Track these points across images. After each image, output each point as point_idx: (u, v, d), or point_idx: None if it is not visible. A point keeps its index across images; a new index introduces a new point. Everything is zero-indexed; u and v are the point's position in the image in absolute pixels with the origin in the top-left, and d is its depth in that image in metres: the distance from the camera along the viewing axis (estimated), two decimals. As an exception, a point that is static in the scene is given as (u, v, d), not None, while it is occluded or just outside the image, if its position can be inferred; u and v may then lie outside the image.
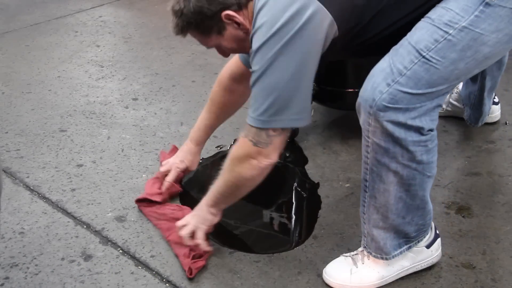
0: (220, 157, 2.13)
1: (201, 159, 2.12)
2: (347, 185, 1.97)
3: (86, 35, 3.34)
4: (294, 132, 2.21)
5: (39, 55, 3.09)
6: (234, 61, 1.85)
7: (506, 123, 2.28)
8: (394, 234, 1.49)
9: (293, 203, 1.89)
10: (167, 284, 1.59)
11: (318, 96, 2.21)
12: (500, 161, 2.07)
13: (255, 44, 1.38)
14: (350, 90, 2.12)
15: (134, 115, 2.47)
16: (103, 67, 2.94)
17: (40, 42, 3.26)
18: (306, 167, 2.08)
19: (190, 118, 2.42)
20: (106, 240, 1.76)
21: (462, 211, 1.82)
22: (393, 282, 1.56)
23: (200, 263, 1.62)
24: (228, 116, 1.98)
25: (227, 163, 1.53)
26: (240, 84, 1.83)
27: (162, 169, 1.96)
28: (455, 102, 2.27)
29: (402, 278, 1.56)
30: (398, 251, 1.51)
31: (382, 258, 1.52)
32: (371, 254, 1.53)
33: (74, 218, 1.86)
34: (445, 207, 1.85)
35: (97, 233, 1.79)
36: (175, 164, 1.94)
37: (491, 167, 2.04)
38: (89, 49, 3.16)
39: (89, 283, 1.60)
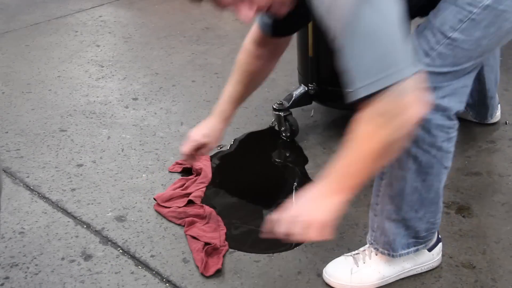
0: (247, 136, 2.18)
1: (220, 146, 2.17)
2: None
3: (86, 35, 3.34)
4: (294, 132, 2.21)
5: (39, 55, 3.09)
6: (254, 27, 1.70)
7: (506, 123, 2.28)
8: (405, 231, 1.48)
9: (293, 203, 1.89)
10: (167, 284, 1.59)
11: (318, 96, 2.22)
12: (500, 161, 2.07)
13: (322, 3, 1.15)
14: (350, 90, 2.12)
15: (134, 115, 2.47)
16: (103, 67, 2.94)
17: (40, 42, 3.26)
18: (306, 167, 2.08)
19: (190, 118, 2.42)
20: (106, 240, 1.76)
21: (462, 211, 1.82)
22: (393, 282, 1.56)
23: (216, 261, 1.63)
24: (257, 86, 1.76)
25: (366, 128, 1.17)
26: (265, 48, 1.68)
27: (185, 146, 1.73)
28: None
29: (402, 278, 1.56)
30: (405, 251, 1.51)
31: (388, 255, 1.51)
32: (378, 249, 1.52)
33: (74, 218, 1.86)
34: (445, 207, 1.85)
35: (97, 233, 1.79)
36: (195, 137, 1.72)
37: (491, 167, 2.04)
38: (89, 49, 3.16)
39: (89, 283, 1.60)
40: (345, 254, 1.59)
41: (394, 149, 1.18)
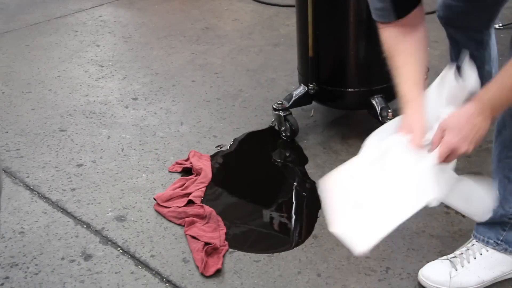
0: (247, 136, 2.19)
1: (220, 146, 2.17)
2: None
3: (86, 35, 3.34)
4: (294, 132, 2.21)
5: (39, 55, 3.09)
6: (381, 30, 1.47)
7: (506, 123, 2.28)
8: None
9: (293, 203, 1.89)
10: (167, 284, 1.59)
11: (318, 96, 2.21)
12: (500, 161, 2.07)
13: None
14: (350, 90, 2.12)
15: (134, 114, 2.47)
16: (103, 66, 2.94)
17: (40, 41, 3.26)
18: (306, 167, 2.08)
19: (190, 118, 2.42)
20: (106, 240, 1.76)
21: (462, 211, 1.82)
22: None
23: (216, 261, 1.63)
24: (424, 59, 1.45)
25: None
26: (399, 28, 1.43)
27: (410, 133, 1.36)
28: None
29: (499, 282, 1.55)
30: None
31: None
32: (506, 250, 1.50)
33: (74, 217, 1.86)
34: (445, 207, 1.84)
35: (97, 232, 1.79)
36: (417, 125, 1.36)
37: (491, 167, 2.03)
38: (89, 48, 3.16)
39: (89, 282, 1.60)
40: (441, 258, 1.56)
41: None
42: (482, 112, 1.21)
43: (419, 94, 1.42)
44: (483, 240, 1.53)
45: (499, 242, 1.50)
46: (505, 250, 1.50)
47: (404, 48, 1.44)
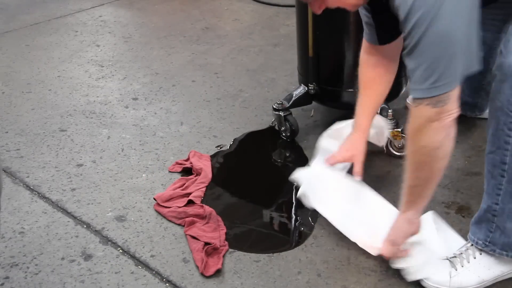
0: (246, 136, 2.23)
1: (220, 146, 2.17)
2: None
3: (86, 35, 3.34)
4: (294, 132, 2.21)
5: (39, 55, 3.09)
6: (364, 40, 1.75)
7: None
8: None
9: (293, 203, 1.89)
10: (167, 284, 1.59)
11: (318, 96, 2.21)
12: (500, 161, 2.07)
13: (403, 10, 1.26)
14: (350, 90, 2.12)
15: (134, 114, 2.47)
16: (103, 66, 2.94)
17: (40, 41, 3.26)
18: (306, 167, 2.08)
19: (190, 118, 2.42)
20: (106, 240, 1.76)
21: (462, 211, 1.82)
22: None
23: (216, 261, 1.63)
24: (383, 93, 1.78)
25: (407, 147, 1.41)
26: (377, 56, 1.71)
27: (328, 162, 1.79)
28: None
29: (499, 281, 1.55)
30: None
31: (507, 256, 1.48)
32: (494, 251, 1.49)
33: (74, 217, 1.86)
34: (445, 207, 1.85)
35: (97, 232, 1.79)
36: (340, 154, 1.79)
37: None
38: (89, 48, 3.16)
39: (89, 282, 1.60)
40: (440, 258, 1.56)
41: (442, 154, 1.39)
42: (402, 218, 1.52)
43: (367, 126, 1.79)
44: (473, 240, 1.54)
45: (487, 243, 1.50)
46: (493, 251, 1.50)
47: (371, 77, 1.75)
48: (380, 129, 1.92)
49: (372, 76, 1.75)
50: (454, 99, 1.31)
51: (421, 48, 1.27)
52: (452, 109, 1.32)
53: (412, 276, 1.53)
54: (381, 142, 1.97)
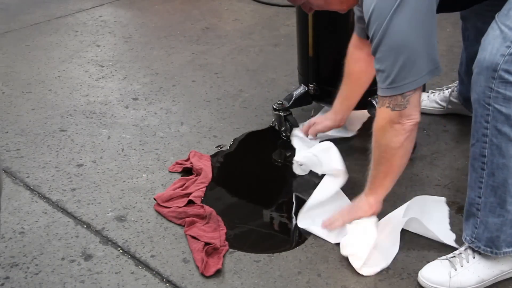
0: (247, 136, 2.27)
1: (220, 146, 2.18)
2: (347, 185, 1.96)
3: (86, 35, 3.34)
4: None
5: (39, 55, 3.09)
6: (354, 33, 1.91)
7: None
8: (510, 229, 1.46)
9: (293, 203, 1.89)
10: (167, 284, 1.59)
11: (318, 96, 2.21)
12: (500, 161, 2.07)
13: (367, 9, 1.41)
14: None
15: (134, 115, 2.47)
16: (103, 67, 2.94)
17: (40, 42, 3.26)
18: (306, 167, 2.08)
19: (190, 118, 2.42)
20: (106, 240, 1.76)
21: (462, 210, 1.82)
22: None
23: (216, 261, 1.63)
24: (362, 87, 1.97)
25: (372, 142, 1.55)
26: (362, 50, 1.86)
27: (304, 127, 2.09)
28: (455, 100, 2.27)
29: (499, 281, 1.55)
30: (509, 249, 1.48)
31: (491, 253, 1.49)
32: (480, 248, 1.50)
33: (74, 218, 1.86)
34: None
35: (97, 233, 1.79)
36: (314, 121, 2.07)
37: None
38: (89, 49, 3.16)
39: (89, 283, 1.60)
40: (440, 258, 1.57)
41: (402, 153, 1.53)
42: (365, 199, 1.65)
43: (342, 111, 2.03)
44: (464, 237, 1.55)
45: (473, 239, 1.51)
46: (478, 248, 1.51)
47: (355, 70, 1.91)
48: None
49: (355, 69, 1.91)
50: (414, 104, 1.46)
51: (379, 54, 1.43)
52: (412, 114, 1.47)
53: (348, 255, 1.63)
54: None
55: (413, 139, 1.53)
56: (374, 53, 1.44)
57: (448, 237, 1.68)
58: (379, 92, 1.48)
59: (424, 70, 1.44)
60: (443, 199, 1.82)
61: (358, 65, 1.90)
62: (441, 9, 1.47)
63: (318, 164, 1.90)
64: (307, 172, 2.01)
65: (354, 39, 1.89)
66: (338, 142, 2.24)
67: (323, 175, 1.88)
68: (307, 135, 2.10)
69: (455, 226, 1.76)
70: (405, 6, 1.37)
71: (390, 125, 1.49)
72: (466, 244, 1.55)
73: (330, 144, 1.90)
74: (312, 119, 2.12)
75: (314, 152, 1.93)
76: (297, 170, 2.03)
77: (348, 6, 1.58)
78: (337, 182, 1.80)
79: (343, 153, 2.11)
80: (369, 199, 1.64)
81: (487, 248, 1.49)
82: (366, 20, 1.43)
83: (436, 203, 1.82)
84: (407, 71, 1.41)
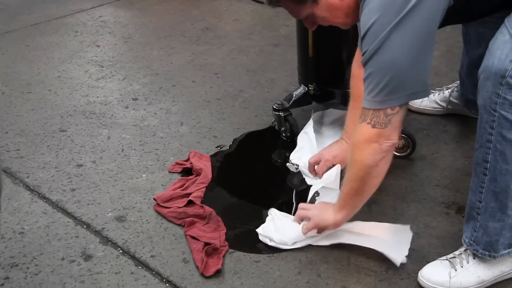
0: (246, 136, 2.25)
1: (220, 147, 2.18)
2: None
3: (86, 35, 3.34)
4: (294, 132, 2.21)
5: (39, 55, 3.09)
6: (358, 50, 1.83)
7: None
8: (509, 232, 1.46)
9: (293, 203, 1.89)
10: (167, 284, 1.59)
11: (318, 96, 2.21)
12: (500, 161, 2.07)
13: (365, 22, 1.38)
14: (350, 90, 2.12)
15: (134, 115, 2.47)
16: (103, 67, 2.94)
17: (40, 42, 3.26)
18: (306, 167, 2.08)
19: (190, 118, 2.42)
20: (106, 240, 1.76)
21: (462, 211, 1.82)
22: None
23: (216, 261, 1.63)
24: None
25: (349, 156, 1.55)
26: None
27: (311, 160, 1.94)
28: (455, 100, 2.27)
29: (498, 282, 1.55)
30: (507, 251, 1.49)
31: (489, 256, 1.49)
32: (478, 251, 1.50)
33: (74, 218, 1.86)
34: (445, 207, 1.85)
35: (97, 233, 1.79)
36: (327, 158, 1.91)
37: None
38: (89, 49, 3.16)
39: (89, 283, 1.60)
40: (440, 258, 1.57)
41: (377, 172, 1.50)
42: (335, 209, 1.63)
43: (351, 133, 1.80)
44: (463, 240, 1.55)
45: (471, 242, 1.51)
46: (476, 251, 1.51)
47: (359, 93, 1.69)
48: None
49: (362, 89, 1.79)
50: (395, 126, 1.44)
51: (368, 67, 1.41)
52: (391, 135, 1.45)
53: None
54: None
55: (388, 161, 1.50)
56: (364, 65, 1.42)
57: (397, 254, 1.62)
58: (364, 104, 1.45)
59: (410, 90, 1.41)
60: (408, 227, 1.72)
61: None
62: (443, 24, 1.44)
63: (316, 184, 1.89)
64: (297, 170, 2.02)
65: (358, 56, 1.83)
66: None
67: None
68: (313, 172, 1.97)
69: (454, 226, 1.76)
70: (405, 25, 1.34)
71: (368, 143, 1.46)
72: (465, 246, 1.55)
73: (334, 171, 1.89)
74: (320, 154, 1.95)
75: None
76: (291, 167, 2.03)
77: (353, 20, 1.53)
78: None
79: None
80: (337, 217, 1.62)
81: (485, 251, 1.50)
82: (362, 33, 1.40)
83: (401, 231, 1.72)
84: (392, 88, 1.39)
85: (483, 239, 1.49)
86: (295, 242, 1.69)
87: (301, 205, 1.74)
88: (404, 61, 1.37)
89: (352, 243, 1.66)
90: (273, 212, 1.81)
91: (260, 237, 1.74)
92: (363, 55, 1.41)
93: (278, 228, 1.73)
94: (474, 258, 1.53)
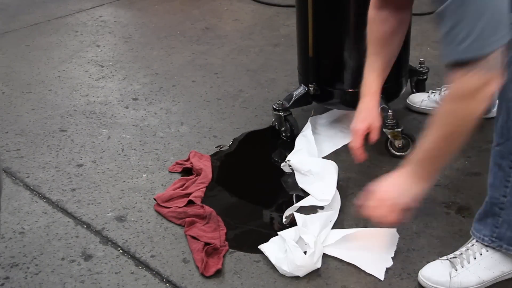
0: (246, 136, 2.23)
1: (220, 147, 2.18)
2: (347, 184, 1.96)
3: (86, 35, 3.34)
4: (294, 132, 2.21)
5: (39, 55, 3.09)
6: (371, 11, 1.68)
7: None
8: None
9: (293, 203, 1.89)
10: (167, 284, 1.59)
11: (318, 96, 2.21)
12: (500, 161, 2.07)
13: None
14: (350, 90, 2.12)
15: (134, 115, 2.47)
16: (103, 67, 2.94)
17: (40, 42, 3.26)
18: (306, 167, 2.08)
19: (190, 118, 2.42)
20: (106, 240, 1.76)
21: (462, 211, 1.82)
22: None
23: (216, 261, 1.63)
24: (394, 53, 1.73)
25: (447, 111, 1.31)
26: (386, 9, 1.64)
27: (355, 144, 1.73)
28: None
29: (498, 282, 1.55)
30: None
31: None
32: (501, 247, 1.48)
33: (74, 218, 1.86)
34: (445, 207, 1.85)
35: (97, 233, 1.79)
36: (358, 128, 1.73)
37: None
38: (89, 49, 3.16)
39: (89, 283, 1.60)
40: (441, 258, 1.56)
41: (469, 127, 1.29)
42: (411, 178, 1.38)
43: (378, 88, 1.70)
44: (479, 237, 1.53)
45: (493, 239, 1.50)
46: (500, 247, 1.50)
47: (381, 34, 1.63)
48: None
49: (382, 32, 1.66)
50: (498, 66, 1.22)
51: (455, 10, 1.19)
52: (497, 77, 1.23)
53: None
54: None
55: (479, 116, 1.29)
56: (444, 11, 1.20)
57: (379, 269, 1.61)
58: (454, 55, 1.22)
59: (506, 29, 1.20)
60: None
61: (387, 25, 1.64)
62: None
63: (307, 183, 1.89)
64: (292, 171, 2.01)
65: (375, 13, 1.66)
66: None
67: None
68: (361, 149, 1.76)
69: (455, 226, 1.76)
70: None
71: (475, 93, 1.23)
72: (468, 245, 1.55)
73: (331, 168, 1.88)
74: (353, 125, 1.76)
75: (312, 169, 1.91)
76: (285, 167, 2.03)
77: None
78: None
79: (344, 152, 2.11)
80: (419, 176, 1.38)
81: (510, 246, 1.48)
82: None
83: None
84: (493, 27, 1.18)
85: (507, 234, 1.46)
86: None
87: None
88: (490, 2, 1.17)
89: (338, 257, 1.65)
90: (286, 238, 1.65)
91: (265, 252, 1.67)
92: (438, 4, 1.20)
93: (288, 258, 1.61)
94: (475, 258, 1.52)
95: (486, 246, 1.52)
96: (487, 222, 1.50)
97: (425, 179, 1.39)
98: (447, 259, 1.55)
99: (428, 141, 1.34)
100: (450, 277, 1.51)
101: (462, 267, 1.52)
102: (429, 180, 1.40)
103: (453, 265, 1.52)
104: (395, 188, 1.41)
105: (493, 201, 1.47)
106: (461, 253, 1.54)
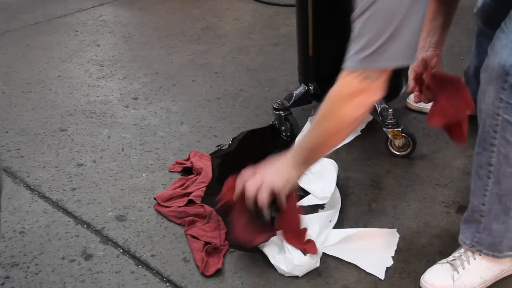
0: (246, 135, 2.21)
1: (220, 146, 2.18)
2: (347, 184, 1.96)
3: (86, 35, 3.34)
4: (294, 131, 2.21)
5: (39, 55, 3.09)
6: None
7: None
8: None
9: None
10: (167, 284, 1.59)
11: (318, 95, 2.21)
12: (501, 161, 2.07)
13: None
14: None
15: (134, 114, 2.47)
16: (103, 66, 2.94)
17: (40, 41, 3.26)
18: (306, 166, 2.08)
19: (190, 117, 2.42)
20: (107, 240, 1.76)
21: (462, 210, 1.82)
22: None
23: (216, 260, 1.63)
24: (455, 5, 1.72)
25: (325, 108, 1.38)
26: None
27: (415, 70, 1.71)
28: None
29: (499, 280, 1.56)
30: (511, 253, 1.49)
31: (493, 256, 1.49)
32: (481, 251, 1.50)
33: (74, 217, 1.86)
34: (445, 207, 1.85)
35: (97, 232, 1.79)
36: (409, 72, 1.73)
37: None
38: (89, 48, 3.16)
39: (89, 282, 1.61)
40: (440, 262, 1.56)
41: (351, 128, 1.39)
42: (291, 165, 1.46)
43: (438, 27, 1.71)
44: (461, 240, 1.54)
45: (474, 243, 1.51)
46: (480, 252, 1.51)
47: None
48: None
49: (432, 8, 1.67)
50: (382, 81, 1.29)
51: (365, 15, 1.23)
52: (377, 92, 1.30)
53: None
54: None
55: (362, 119, 1.39)
56: (358, 15, 1.25)
57: (379, 268, 1.62)
58: (351, 63, 1.29)
59: (412, 49, 1.26)
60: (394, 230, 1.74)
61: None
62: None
63: (307, 182, 1.89)
64: None
65: None
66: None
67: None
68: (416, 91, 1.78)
69: (455, 225, 1.76)
70: None
71: (352, 97, 1.31)
72: (465, 247, 1.55)
73: (331, 167, 1.89)
74: (412, 69, 1.74)
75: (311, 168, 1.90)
76: None
77: None
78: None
79: (344, 151, 2.11)
80: (298, 167, 1.47)
81: (489, 251, 1.50)
82: None
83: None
84: (394, 44, 1.22)
85: (486, 240, 1.49)
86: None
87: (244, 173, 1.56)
88: (407, 12, 1.21)
89: (338, 257, 1.65)
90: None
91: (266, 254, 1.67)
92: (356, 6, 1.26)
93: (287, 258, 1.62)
94: (475, 259, 1.52)
95: (466, 248, 1.53)
96: (471, 226, 1.52)
97: (303, 167, 1.48)
98: (447, 262, 1.54)
99: (309, 135, 1.45)
100: (453, 280, 1.50)
101: (464, 269, 1.51)
102: (306, 168, 1.49)
103: (454, 268, 1.52)
104: (274, 171, 1.49)
105: (474, 209, 1.50)
106: (460, 255, 1.54)
